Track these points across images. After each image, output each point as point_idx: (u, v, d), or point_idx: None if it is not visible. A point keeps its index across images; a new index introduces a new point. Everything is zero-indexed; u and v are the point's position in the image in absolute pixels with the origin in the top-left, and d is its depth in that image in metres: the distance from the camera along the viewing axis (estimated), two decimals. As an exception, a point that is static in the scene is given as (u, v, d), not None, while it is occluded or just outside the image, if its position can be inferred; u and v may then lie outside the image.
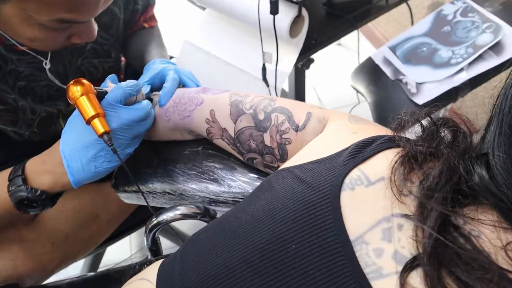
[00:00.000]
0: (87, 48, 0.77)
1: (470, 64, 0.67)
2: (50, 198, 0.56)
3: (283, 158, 0.54)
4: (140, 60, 0.83)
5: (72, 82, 0.52)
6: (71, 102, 0.53)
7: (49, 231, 0.72)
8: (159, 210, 0.58)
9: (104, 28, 0.78)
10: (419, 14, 1.67)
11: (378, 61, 0.79)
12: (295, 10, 0.74)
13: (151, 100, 0.62)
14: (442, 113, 0.85)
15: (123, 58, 0.99)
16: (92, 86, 0.53)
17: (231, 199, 0.57)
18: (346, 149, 0.42)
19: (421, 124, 0.40)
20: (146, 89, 0.62)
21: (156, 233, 0.59)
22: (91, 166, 0.54)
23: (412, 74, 0.72)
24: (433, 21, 0.77)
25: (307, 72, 1.07)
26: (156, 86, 0.66)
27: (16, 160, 0.58)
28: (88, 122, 0.51)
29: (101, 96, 0.54)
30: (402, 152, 0.37)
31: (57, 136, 0.55)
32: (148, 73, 0.66)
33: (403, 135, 0.40)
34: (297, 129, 0.52)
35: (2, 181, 0.55)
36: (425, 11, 1.61)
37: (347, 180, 0.37)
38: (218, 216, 0.61)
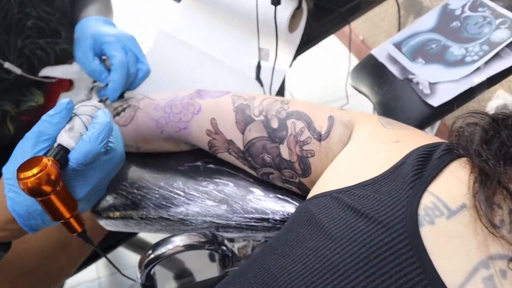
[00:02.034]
0: (27, 25, 0.63)
1: (487, 62, 0.63)
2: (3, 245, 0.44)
3: (306, 173, 0.45)
4: None
5: (22, 169, 0.35)
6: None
7: (7, 268, 0.58)
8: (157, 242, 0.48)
9: (45, 1, 0.65)
10: (391, 9, 1.65)
11: (382, 58, 0.73)
12: (295, 1, 0.66)
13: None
14: (436, 127, 0.81)
15: None
16: (51, 159, 0.37)
17: (245, 223, 0.48)
18: (401, 164, 0.35)
19: (483, 128, 0.33)
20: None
21: (153, 269, 0.49)
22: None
23: (423, 73, 0.67)
24: (440, 16, 0.72)
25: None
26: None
27: None
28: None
29: (62, 160, 0.38)
30: (474, 169, 0.31)
31: (5, 143, 0.40)
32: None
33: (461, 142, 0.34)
34: (320, 138, 0.43)
35: None
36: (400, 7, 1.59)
37: (421, 211, 0.29)
38: (226, 242, 0.51)
